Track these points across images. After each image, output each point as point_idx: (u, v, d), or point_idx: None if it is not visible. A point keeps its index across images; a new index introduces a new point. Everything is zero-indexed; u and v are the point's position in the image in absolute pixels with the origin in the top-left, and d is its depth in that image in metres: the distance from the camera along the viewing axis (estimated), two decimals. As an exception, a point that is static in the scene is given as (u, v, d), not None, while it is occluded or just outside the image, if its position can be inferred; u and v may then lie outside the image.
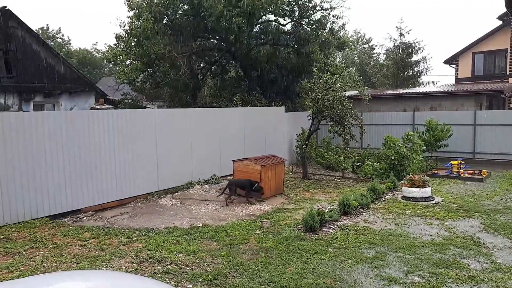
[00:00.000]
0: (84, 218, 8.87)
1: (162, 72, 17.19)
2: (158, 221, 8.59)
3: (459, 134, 15.95)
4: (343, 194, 9.88)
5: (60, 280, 2.71)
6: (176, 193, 11.13)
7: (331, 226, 7.91)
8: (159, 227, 8.14)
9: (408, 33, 33.90)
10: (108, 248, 6.80)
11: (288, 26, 18.87)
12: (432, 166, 14.87)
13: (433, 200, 10.09)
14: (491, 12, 60.71)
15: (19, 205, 8.19)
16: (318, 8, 18.04)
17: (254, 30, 18.54)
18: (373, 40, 52.55)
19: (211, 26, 16.06)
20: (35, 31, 21.16)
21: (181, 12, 17.33)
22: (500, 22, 21.75)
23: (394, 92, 21.42)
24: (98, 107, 16.25)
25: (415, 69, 33.58)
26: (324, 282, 5.49)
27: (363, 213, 8.98)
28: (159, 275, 5.73)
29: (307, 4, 17.86)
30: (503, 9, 22.50)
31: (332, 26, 18.76)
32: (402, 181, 11.75)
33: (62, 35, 42.94)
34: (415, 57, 33.31)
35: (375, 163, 13.45)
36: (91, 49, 44.64)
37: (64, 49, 40.22)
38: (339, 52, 33.36)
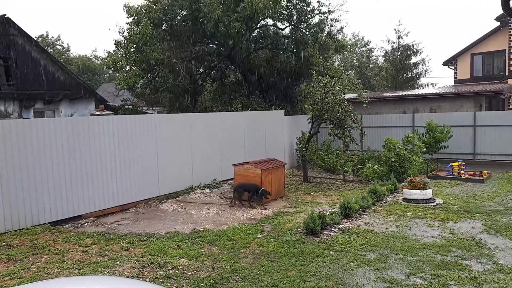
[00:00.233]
0: (85, 224, 8.87)
1: (162, 78, 17.23)
2: (159, 226, 8.59)
3: (459, 135, 15.95)
4: (344, 197, 9.88)
5: (62, 286, 2.72)
6: (177, 198, 11.13)
7: (332, 229, 7.91)
8: (160, 232, 8.14)
9: (407, 35, 33.92)
10: (110, 254, 6.80)
11: (287, 30, 18.94)
12: (433, 167, 14.87)
13: (434, 201, 10.08)
14: (489, 13, 60.89)
15: (20, 212, 8.19)
16: (316, 12, 18.11)
17: (253, 34, 18.61)
18: (372, 43, 52.67)
19: (209, 31, 16.11)
20: (35, 39, 21.22)
21: (179, 17, 17.39)
22: (498, 23, 21.82)
23: (394, 94, 21.46)
24: (98, 113, 16.27)
25: (414, 71, 33.63)
26: (326, 285, 5.49)
27: (364, 216, 8.97)
28: (161, 280, 5.73)
29: (305, 8, 17.93)
30: (500, 10, 22.58)
31: (330, 30, 18.84)
32: (402, 183, 11.75)
33: (62, 42, 43.18)
34: (414, 59, 33.38)
35: (376, 166, 13.45)
36: (91, 55, 44.83)
37: (63, 56, 40.37)
38: (338, 55, 33.43)
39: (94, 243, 7.41)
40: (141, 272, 5.99)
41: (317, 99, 13.28)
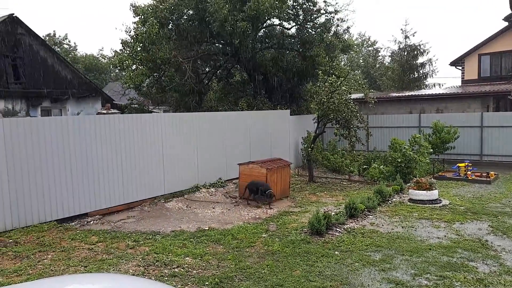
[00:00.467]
0: (91, 222, 8.93)
1: (168, 77, 17.29)
2: (164, 225, 8.62)
3: (466, 136, 15.85)
4: (349, 197, 9.85)
5: (68, 283, 2.74)
6: (183, 197, 11.17)
7: (337, 229, 7.89)
8: (165, 230, 8.17)
9: (413, 35, 33.73)
10: (115, 252, 6.83)
11: (293, 30, 18.93)
12: (439, 168, 14.79)
13: (440, 202, 10.03)
14: (496, 14, 60.43)
15: (27, 209, 8.26)
16: (322, 11, 18.07)
17: (259, 34, 18.60)
18: (378, 42, 52.39)
19: (216, 31, 16.14)
20: (42, 38, 21.39)
21: (186, 17, 17.44)
22: (506, 23, 21.63)
23: (400, 94, 21.35)
24: (104, 112, 16.37)
25: (421, 71, 33.46)
26: (331, 286, 5.48)
27: (370, 216, 8.95)
28: (166, 278, 5.75)
29: (312, 8, 17.90)
30: (509, 10, 22.40)
31: (336, 29, 18.79)
32: (408, 184, 11.70)
33: (69, 41, 43.37)
34: (420, 59, 33.21)
35: (382, 166, 13.40)
36: (98, 54, 45.02)
37: (70, 55, 40.59)
38: (344, 55, 33.35)
39: (100, 241, 7.45)
40: (146, 270, 6.02)
41: (323, 99, 13.26)
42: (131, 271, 6.00)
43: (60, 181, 8.78)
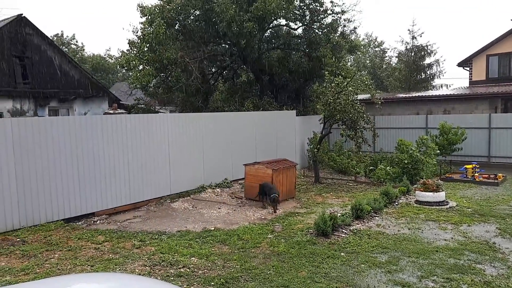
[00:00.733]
0: (98, 222, 8.98)
1: (174, 77, 17.34)
2: (170, 225, 8.65)
3: (473, 137, 15.73)
4: (355, 198, 9.82)
5: (75, 282, 2.75)
6: (188, 197, 11.19)
7: (343, 230, 7.87)
8: (171, 230, 8.19)
9: (421, 36, 33.55)
10: (122, 251, 6.87)
11: (299, 30, 18.89)
12: (446, 170, 14.69)
13: (447, 204, 9.96)
14: (505, 14, 59.85)
15: (34, 208, 8.33)
16: (329, 12, 18.03)
17: (265, 34, 18.59)
18: (385, 43, 52.23)
19: (222, 31, 16.16)
20: (50, 38, 21.55)
21: (192, 17, 17.48)
22: (515, 24, 21.42)
23: (407, 95, 21.24)
24: (111, 112, 16.46)
25: (428, 72, 33.26)
26: (336, 287, 5.46)
27: (376, 218, 8.91)
28: (172, 278, 5.77)
29: (318, 8, 17.86)
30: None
31: (343, 30, 18.73)
32: (415, 185, 11.63)
33: (76, 41, 43.67)
34: (427, 60, 33.02)
35: (388, 167, 13.34)
36: (105, 55, 45.29)
37: (78, 55, 40.86)
38: (351, 56, 33.24)
39: (106, 240, 7.49)
40: (152, 270, 6.04)
41: (329, 100, 13.22)
42: (137, 270, 6.02)
43: (67, 181, 8.84)
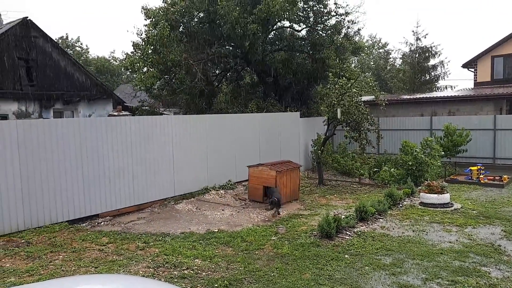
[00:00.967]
0: (102, 223, 9.00)
1: (178, 79, 17.39)
2: (174, 226, 8.66)
3: (478, 139, 15.65)
4: (359, 200, 9.79)
5: (79, 284, 2.76)
6: (192, 198, 11.20)
7: (347, 232, 7.84)
8: (175, 232, 8.20)
9: (425, 37, 33.37)
10: (126, 253, 6.88)
11: (303, 32, 18.89)
12: (451, 171, 14.62)
13: (452, 206, 9.91)
14: (510, 15, 59.60)
15: (39, 210, 8.37)
16: (333, 13, 18.01)
17: (269, 36, 18.60)
18: (389, 44, 52.20)
19: (226, 33, 16.19)
20: (55, 40, 21.68)
21: (196, 19, 17.53)
22: (520, 25, 21.30)
23: (411, 97, 21.16)
24: (116, 114, 16.54)
25: (432, 73, 33.14)
26: (340, 289, 5.44)
27: (380, 220, 8.87)
28: (176, 280, 5.77)
29: (322, 10, 17.85)
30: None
31: (347, 32, 18.70)
32: (420, 187, 11.56)
33: (81, 44, 43.91)
34: (432, 61, 32.90)
35: (392, 169, 13.29)
36: (109, 57, 45.49)
37: (82, 57, 41.08)
38: (355, 57, 33.19)
39: (110, 242, 7.51)
40: (156, 272, 6.04)
41: (333, 101, 13.20)
42: (141, 272, 6.03)
43: (71, 182, 8.87)
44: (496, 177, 13.15)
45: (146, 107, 19.58)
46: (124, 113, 17.92)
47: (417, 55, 32.73)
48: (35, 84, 18.31)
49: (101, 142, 9.43)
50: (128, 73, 30.93)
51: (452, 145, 14.34)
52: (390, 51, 43.24)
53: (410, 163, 12.59)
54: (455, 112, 18.53)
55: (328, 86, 15.01)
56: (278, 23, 18.12)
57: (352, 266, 6.23)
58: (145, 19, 17.24)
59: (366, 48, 37.04)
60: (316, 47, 17.57)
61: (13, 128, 8.07)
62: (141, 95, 19.98)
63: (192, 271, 6.06)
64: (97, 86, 20.98)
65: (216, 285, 5.57)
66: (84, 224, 8.87)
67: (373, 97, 15.22)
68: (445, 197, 9.98)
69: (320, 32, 18.06)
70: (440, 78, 33.19)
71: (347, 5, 23.79)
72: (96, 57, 43.74)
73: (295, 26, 18.64)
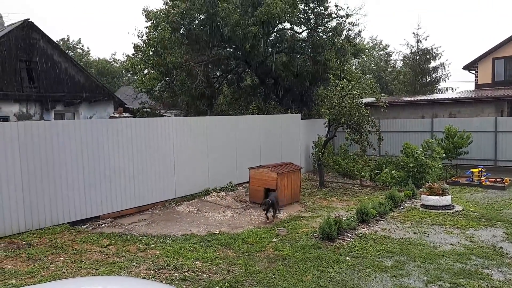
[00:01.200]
0: (103, 225, 9.00)
1: (179, 81, 17.41)
2: (175, 228, 8.65)
3: (479, 141, 15.64)
4: (360, 202, 9.78)
5: (80, 285, 2.76)
6: (193, 200, 11.19)
7: (348, 234, 7.83)
8: (176, 234, 8.19)
9: (426, 39, 33.39)
10: (126, 255, 6.87)
11: (304, 34, 18.91)
12: (452, 173, 14.61)
13: (453, 208, 9.89)
14: (511, 17, 59.59)
15: (40, 211, 8.36)
16: (333, 15, 18.03)
17: (270, 38, 18.61)
18: (390, 46, 52.15)
19: (227, 35, 16.21)
20: (56, 42, 21.73)
21: (197, 22, 17.55)
22: (521, 27, 21.29)
23: (412, 98, 21.15)
24: (117, 115, 16.56)
25: (433, 75, 33.14)
26: (342, 291, 5.43)
27: (381, 222, 8.86)
28: (176, 282, 5.76)
29: (323, 12, 17.87)
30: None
31: (348, 34, 18.72)
32: (421, 189, 11.56)
33: (82, 46, 43.95)
34: (433, 63, 32.91)
35: (393, 171, 13.28)
36: (110, 59, 45.55)
37: (83, 59, 41.13)
38: (356, 59, 33.20)
39: (111, 243, 7.50)
40: (157, 274, 6.03)
41: (334, 103, 13.21)
42: (142, 274, 6.02)
43: (72, 184, 8.87)
44: (497, 179, 13.13)
45: (147, 109, 19.60)
46: (125, 115, 17.96)
47: (417, 57, 32.74)
48: (36, 86, 18.33)
49: (102, 143, 9.42)
50: (129, 75, 30.95)
51: (453, 147, 14.33)
52: (391, 53, 43.27)
53: (411, 165, 12.58)
54: (456, 114, 18.51)
55: (329, 88, 15.01)
56: (279, 25, 18.15)
57: (353, 268, 6.22)
58: (146, 21, 17.29)
59: (367, 50, 37.02)
60: (317, 49, 17.58)
61: (14, 129, 8.07)
62: (142, 97, 20.00)
63: (193, 273, 6.05)
64: (98, 88, 21.00)
65: (217, 287, 5.56)
66: (85, 226, 8.86)
67: (374, 99, 15.22)
68: (447, 199, 9.97)
69: (321, 34, 18.08)
70: (441, 80, 33.21)
71: (347, 7, 23.72)
72: (97, 59, 43.81)
73: (296, 28, 18.66)
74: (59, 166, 8.64)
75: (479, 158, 15.81)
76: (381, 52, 45.13)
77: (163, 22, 16.01)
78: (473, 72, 23.77)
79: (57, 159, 8.62)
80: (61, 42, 40.09)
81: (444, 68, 32.80)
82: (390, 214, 9.47)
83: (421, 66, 32.50)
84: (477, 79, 23.43)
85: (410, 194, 11.05)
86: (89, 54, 44.30)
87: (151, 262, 6.49)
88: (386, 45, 45.40)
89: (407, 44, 33.52)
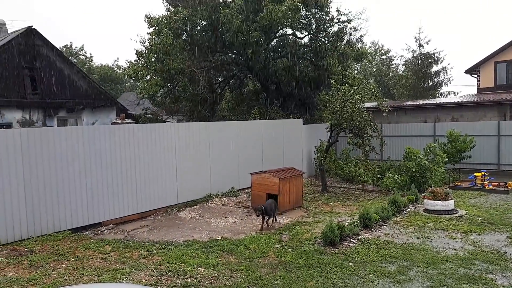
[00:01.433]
0: (105, 231, 8.99)
1: (182, 87, 17.45)
2: (177, 234, 8.63)
3: (482, 145, 15.58)
4: (363, 207, 9.74)
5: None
6: (195, 206, 11.18)
7: (351, 240, 7.79)
8: (178, 240, 8.17)
9: (427, 44, 33.35)
10: (128, 261, 6.86)
11: (305, 39, 18.96)
12: (455, 178, 14.54)
13: (456, 213, 9.84)
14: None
15: (42, 218, 8.37)
16: (335, 20, 18.09)
17: (272, 43, 18.68)
18: (392, 51, 52.12)
19: (229, 41, 16.27)
20: (59, 49, 21.85)
21: (199, 27, 17.63)
22: (523, 31, 21.28)
23: (414, 103, 21.14)
24: (119, 122, 16.57)
25: (435, 79, 33.08)
26: (344, 297, 5.39)
27: (384, 227, 8.82)
28: (178, 288, 5.73)
29: (324, 17, 17.93)
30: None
31: (349, 38, 18.76)
32: (424, 194, 11.50)
33: (85, 52, 44.18)
34: (435, 68, 32.86)
35: (396, 175, 13.23)
36: (113, 65, 45.79)
37: (86, 66, 41.32)
38: (357, 64, 33.19)
39: (113, 250, 7.49)
40: (159, 280, 6.02)
41: (336, 108, 13.20)
42: (144, 281, 6.01)
43: (75, 190, 8.88)
44: (500, 183, 13.07)
45: (150, 115, 19.64)
46: (127, 121, 17.97)
47: (419, 62, 32.71)
48: (39, 93, 18.41)
49: (104, 150, 9.44)
50: (132, 81, 31.08)
51: (455, 151, 14.28)
52: (392, 58, 43.24)
53: (414, 170, 12.53)
54: (459, 118, 18.47)
55: (331, 93, 15.01)
56: (281, 31, 18.21)
57: (356, 274, 6.18)
58: (148, 28, 17.35)
59: (368, 55, 37.09)
60: (319, 54, 17.62)
61: (17, 136, 8.10)
62: (145, 103, 20.05)
63: (195, 280, 6.03)
64: (101, 94, 21.06)
65: (219, 294, 5.53)
66: (87, 232, 8.86)
67: (376, 103, 15.21)
68: (450, 204, 9.91)
69: (323, 39, 18.13)
70: (443, 84, 33.13)
71: (349, 12, 23.80)
72: (99, 65, 44.03)
73: (298, 33, 18.72)
74: (61, 172, 8.66)
75: (482, 162, 15.74)
76: (383, 57, 45.13)
77: (165, 28, 16.08)
78: (475, 76, 23.74)
79: (59, 166, 8.63)
80: (64, 49, 40.33)
81: (446, 72, 32.76)
82: (393, 219, 9.43)
83: (423, 71, 32.46)
84: (479, 83, 23.40)
85: (413, 198, 11.00)
86: (92, 60, 44.54)
87: (153, 269, 6.47)
88: (388, 49, 45.39)
89: (409, 49, 33.51)
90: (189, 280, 6.02)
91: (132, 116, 20.68)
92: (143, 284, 5.84)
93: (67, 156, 8.77)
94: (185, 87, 17.15)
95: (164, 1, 19.39)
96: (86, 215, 9.08)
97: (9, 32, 19.67)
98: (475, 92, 24.13)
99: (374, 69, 43.75)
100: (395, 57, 42.94)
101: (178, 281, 6.00)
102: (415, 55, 33.09)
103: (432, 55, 32.36)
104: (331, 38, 17.94)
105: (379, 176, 14.23)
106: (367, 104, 15.68)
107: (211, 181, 12.13)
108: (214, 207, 11.21)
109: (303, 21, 17.88)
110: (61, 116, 19.32)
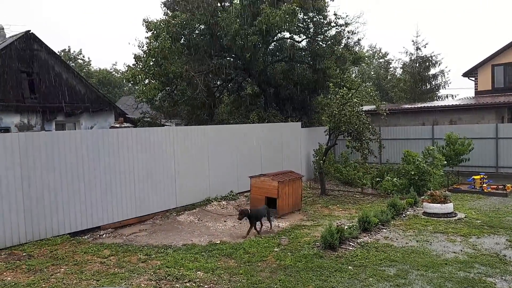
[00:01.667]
0: (104, 235, 8.96)
1: (180, 91, 17.46)
2: (176, 238, 8.60)
3: (480, 148, 15.61)
4: (362, 210, 9.71)
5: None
6: (194, 210, 11.16)
7: (350, 243, 7.78)
8: (177, 244, 8.15)
9: (425, 47, 33.50)
10: (127, 265, 6.83)
11: (303, 43, 19.00)
12: (454, 181, 14.56)
13: (455, 216, 9.84)
14: (510, 24, 59.94)
15: (41, 222, 8.33)
16: (333, 24, 18.14)
17: (270, 47, 18.72)
18: (389, 54, 52.26)
19: (227, 45, 16.30)
20: (57, 53, 21.85)
21: (197, 32, 17.67)
22: (520, 34, 21.38)
23: (412, 106, 21.18)
24: (118, 125, 16.56)
25: (433, 82, 33.20)
26: (344, 301, 5.38)
27: (384, 230, 8.81)
28: (178, 293, 5.71)
29: (322, 21, 17.98)
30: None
31: (347, 42, 18.82)
32: (422, 197, 11.51)
33: (83, 56, 44.21)
34: (432, 71, 32.99)
35: (395, 179, 13.24)
36: (111, 69, 45.79)
37: (84, 70, 41.33)
38: (355, 67, 33.30)
39: (112, 254, 7.46)
40: (158, 285, 5.99)
41: (334, 111, 13.23)
42: (143, 285, 5.98)
43: (73, 195, 8.85)
44: (499, 186, 13.09)
45: (148, 119, 19.64)
46: (126, 124, 17.95)
47: (417, 65, 32.84)
48: (37, 97, 18.39)
49: (102, 154, 9.43)
50: (130, 85, 31.05)
51: (454, 154, 14.30)
52: (390, 61, 43.40)
53: (413, 173, 12.55)
54: (457, 121, 18.51)
55: (329, 96, 15.04)
56: (279, 34, 18.26)
57: (355, 277, 6.17)
58: (146, 32, 17.37)
59: (366, 58, 37.10)
60: (317, 58, 17.66)
61: (15, 141, 8.08)
62: (143, 107, 20.05)
63: (194, 284, 6.00)
64: (99, 98, 21.06)
65: (218, 298, 5.51)
66: (85, 237, 8.82)
67: (374, 106, 15.24)
68: (449, 207, 9.92)
69: (320, 43, 18.18)
70: (441, 87, 33.26)
71: (347, 15, 23.83)
72: (98, 69, 44.05)
73: (296, 37, 18.77)
74: (59, 176, 8.64)
75: (480, 165, 15.76)
76: (381, 60, 45.28)
77: (163, 32, 16.11)
78: (473, 79, 23.81)
79: (57, 170, 8.61)
80: (62, 53, 40.33)
81: (444, 75, 32.89)
82: (392, 222, 9.42)
83: (420, 74, 32.58)
84: (477, 86, 23.47)
85: (412, 201, 11.01)
86: (90, 64, 44.56)
87: (152, 273, 6.44)
88: (386, 53, 45.54)
89: (407, 52, 33.65)
90: (188, 284, 6.00)
91: (130, 120, 20.68)
92: (142, 288, 5.81)
93: (65, 160, 8.74)
94: (184, 91, 17.16)
95: (162, 5, 19.45)
96: (84, 219, 9.04)
97: (7, 36, 19.67)
98: (473, 95, 24.20)
99: (372, 73, 43.87)
100: (392, 60, 43.11)
101: (177, 285, 5.97)
102: (412, 58, 33.23)
103: (430, 58, 32.50)
104: (329, 42, 17.99)
105: (378, 179, 14.24)
106: (365, 107, 15.71)
107: (210, 185, 12.12)
108: (213, 210, 11.18)
109: (300, 24, 17.93)
110: (59, 120, 19.31)
